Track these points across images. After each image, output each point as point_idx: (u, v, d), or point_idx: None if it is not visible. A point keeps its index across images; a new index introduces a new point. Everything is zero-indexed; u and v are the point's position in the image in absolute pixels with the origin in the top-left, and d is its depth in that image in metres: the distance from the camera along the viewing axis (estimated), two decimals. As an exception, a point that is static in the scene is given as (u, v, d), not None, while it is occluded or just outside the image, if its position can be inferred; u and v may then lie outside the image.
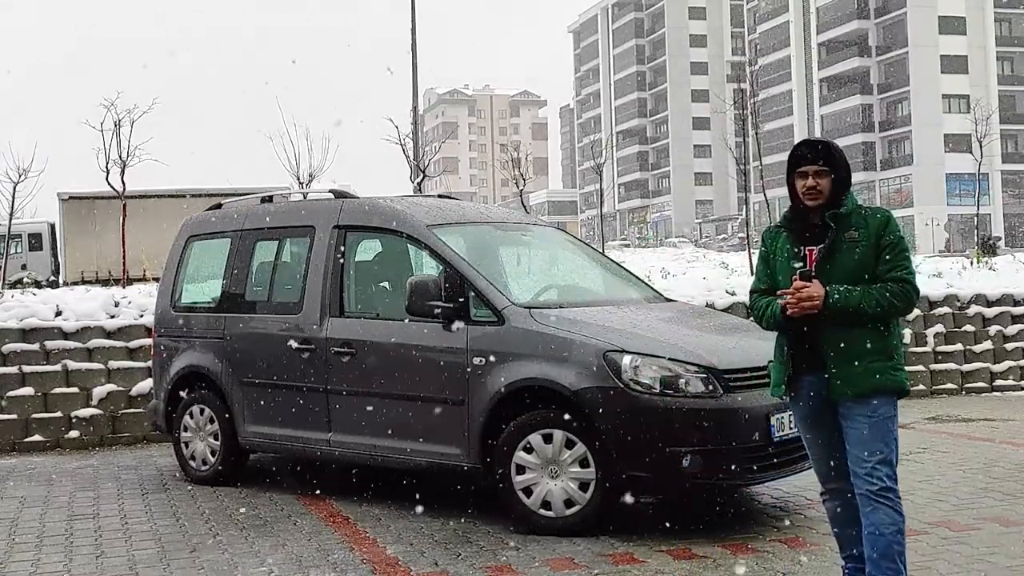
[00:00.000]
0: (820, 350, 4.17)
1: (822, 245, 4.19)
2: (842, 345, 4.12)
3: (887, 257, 4.15)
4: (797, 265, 4.18)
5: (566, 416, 5.97)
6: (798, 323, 4.18)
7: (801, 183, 4.23)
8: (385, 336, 6.80)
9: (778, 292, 4.22)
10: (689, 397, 5.76)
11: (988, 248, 47.79)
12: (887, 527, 4.10)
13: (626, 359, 5.85)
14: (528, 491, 6.05)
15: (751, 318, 4.54)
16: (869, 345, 4.12)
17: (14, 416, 9.75)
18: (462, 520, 6.39)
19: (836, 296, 4.07)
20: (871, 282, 4.12)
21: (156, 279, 13.05)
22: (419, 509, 6.66)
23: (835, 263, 4.16)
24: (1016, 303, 12.67)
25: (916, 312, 12.23)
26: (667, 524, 6.06)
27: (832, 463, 4.32)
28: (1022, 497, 6.63)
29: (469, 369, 6.29)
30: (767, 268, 4.41)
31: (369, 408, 6.81)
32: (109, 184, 25.10)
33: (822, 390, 4.20)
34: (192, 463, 7.92)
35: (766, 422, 5.78)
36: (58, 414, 9.84)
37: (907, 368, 11.66)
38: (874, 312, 4.08)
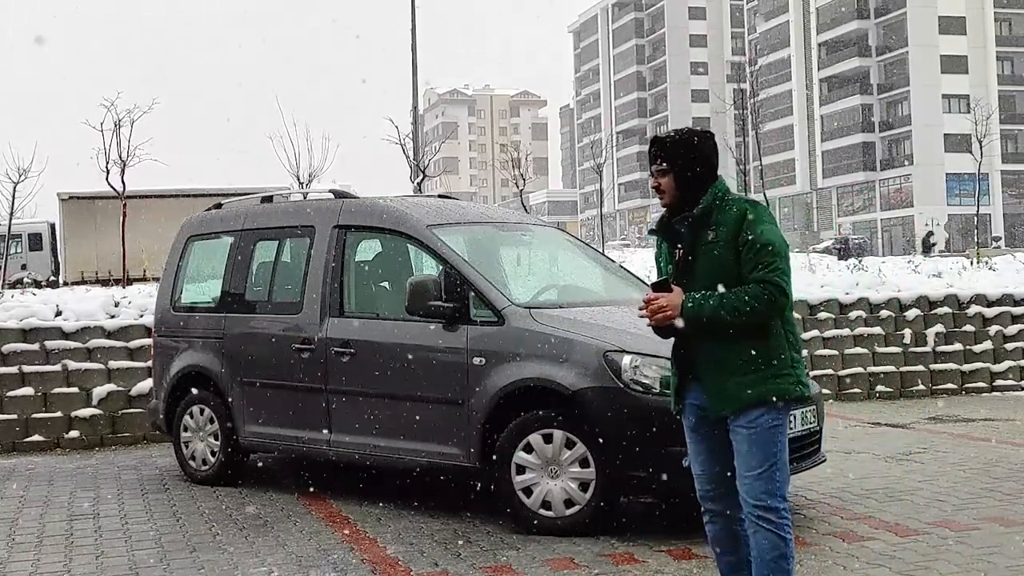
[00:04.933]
0: (694, 361, 3.90)
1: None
2: (713, 358, 3.82)
3: (749, 256, 3.74)
4: (670, 269, 3.93)
5: (566, 416, 5.97)
6: (665, 335, 3.92)
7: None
8: (385, 336, 6.80)
9: (638, 307, 3.93)
10: (689, 397, 5.75)
11: (926, 247, 47.79)
12: (767, 552, 3.80)
13: (626, 359, 5.85)
14: (528, 491, 6.05)
15: None
16: (741, 358, 3.77)
17: (14, 416, 9.75)
18: (462, 520, 6.40)
19: (690, 304, 3.74)
20: (738, 284, 3.74)
21: (156, 279, 13.05)
22: (419, 509, 6.67)
23: (695, 268, 3.82)
24: (1016, 303, 12.66)
25: (916, 312, 12.24)
26: (667, 524, 6.06)
27: (713, 482, 4.02)
28: (1022, 497, 6.63)
29: (469, 369, 6.29)
30: (659, 273, 4.08)
31: (369, 408, 6.82)
32: (109, 184, 25.14)
33: (702, 403, 3.93)
34: (192, 463, 7.92)
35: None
36: (58, 414, 9.84)
37: (906, 368, 11.88)
38: (734, 319, 3.70)
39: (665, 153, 3.90)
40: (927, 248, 48.01)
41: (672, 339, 4.03)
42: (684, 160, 3.88)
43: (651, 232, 4.11)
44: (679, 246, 3.92)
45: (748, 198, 3.97)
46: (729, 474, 3.97)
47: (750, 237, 3.75)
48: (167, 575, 5.49)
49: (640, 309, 3.89)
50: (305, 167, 28.47)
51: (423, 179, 29.25)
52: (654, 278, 4.03)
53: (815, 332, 11.88)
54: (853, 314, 12.13)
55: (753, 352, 3.79)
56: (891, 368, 11.96)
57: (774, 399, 3.80)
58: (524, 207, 38.28)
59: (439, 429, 6.45)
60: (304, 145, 46.52)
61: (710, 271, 3.79)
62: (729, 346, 3.79)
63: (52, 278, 33.76)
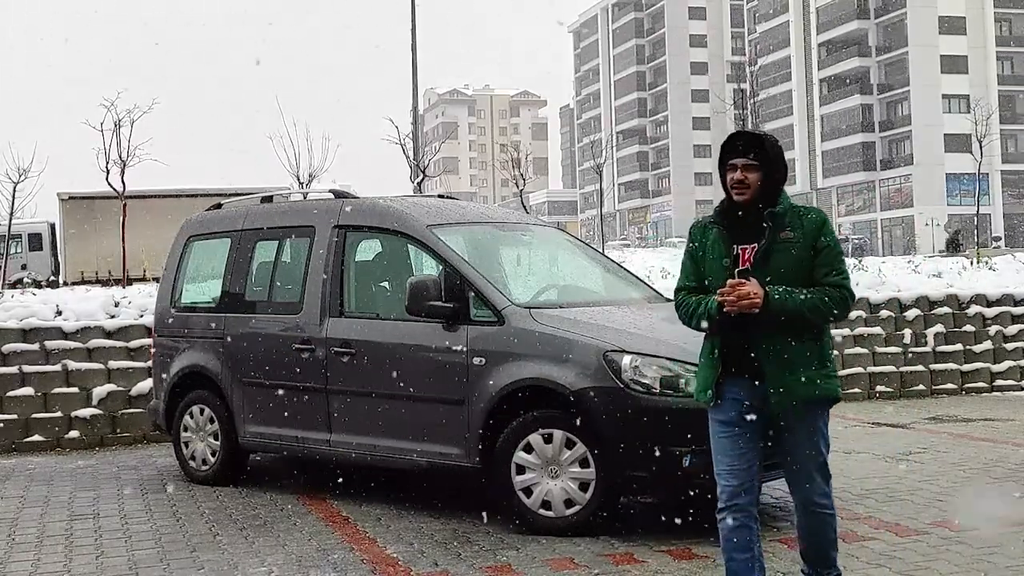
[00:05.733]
0: (753, 355, 4.01)
1: (756, 244, 4.04)
2: (778, 352, 4.00)
3: (824, 261, 4.03)
4: (726, 262, 4.06)
5: (566, 416, 5.97)
6: (731, 325, 4.01)
7: (730, 176, 4.06)
8: (385, 336, 6.80)
9: (719, 290, 3.98)
10: (689, 397, 5.75)
11: (953, 245, 47.21)
12: (824, 529, 4.21)
13: (626, 359, 5.85)
14: (528, 491, 6.05)
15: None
16: (806, 353, 4.02)
17: (14, 416, 9.75)
18: (462, 520, 6.40)
19: (777, 296, 3.92)
20: (805, 285, 3.99)
21: (156, 279, 13.05)
22: (419, 509, 6.67)
23: (770, 263, 4.01)
24: (1016, 303, 12.65)
25: (916, 312, 12.24)
26: (667, 524, 6.06)
27: (739, 478, 4.10)
28: (1022, 497, 6.63)
29: (469, 369, 6.30)
30: (695, 265, 4.21)
31: (369, 408, 6.82)
32: (109, 184, 25.17)
33: (751, 398, 4.05)
34: (192, 463, 7.92)
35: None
36: (58, 414, 9.84)
37: (906, 368, 11.89)
38: (813, 316, 3.98)
39: (762, 151, 4.05)
40: (955, 248, 47.16)
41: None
42: (775, 162, 4.09)
43: (712, 222, 4.16)
44: (743, 243, 4.05)
45: (819, 209, 4.24)
46: (755, 470, 4.14)
47: (828, 243, 4.06)
48: (167, 575, 5.49)
49: (721, 293, 3.96)
50: (305, 167, 28.51)
51: (423, 179, 29.25)
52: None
53: (815, 332, 11.87)
54: (853, 314, 12.11)
55: (814, 349, 4.07)
56: (891, 368, 11.96)
57: (827, 398, 4.10)
58: (524, 207, 38.27)
59: (439, 429, 6.45)
60: (304, 145, 46.60)
61: (784, 268, 4.00)
62: (795, 343, 4.01)
63: (52, 278, 33.75)
